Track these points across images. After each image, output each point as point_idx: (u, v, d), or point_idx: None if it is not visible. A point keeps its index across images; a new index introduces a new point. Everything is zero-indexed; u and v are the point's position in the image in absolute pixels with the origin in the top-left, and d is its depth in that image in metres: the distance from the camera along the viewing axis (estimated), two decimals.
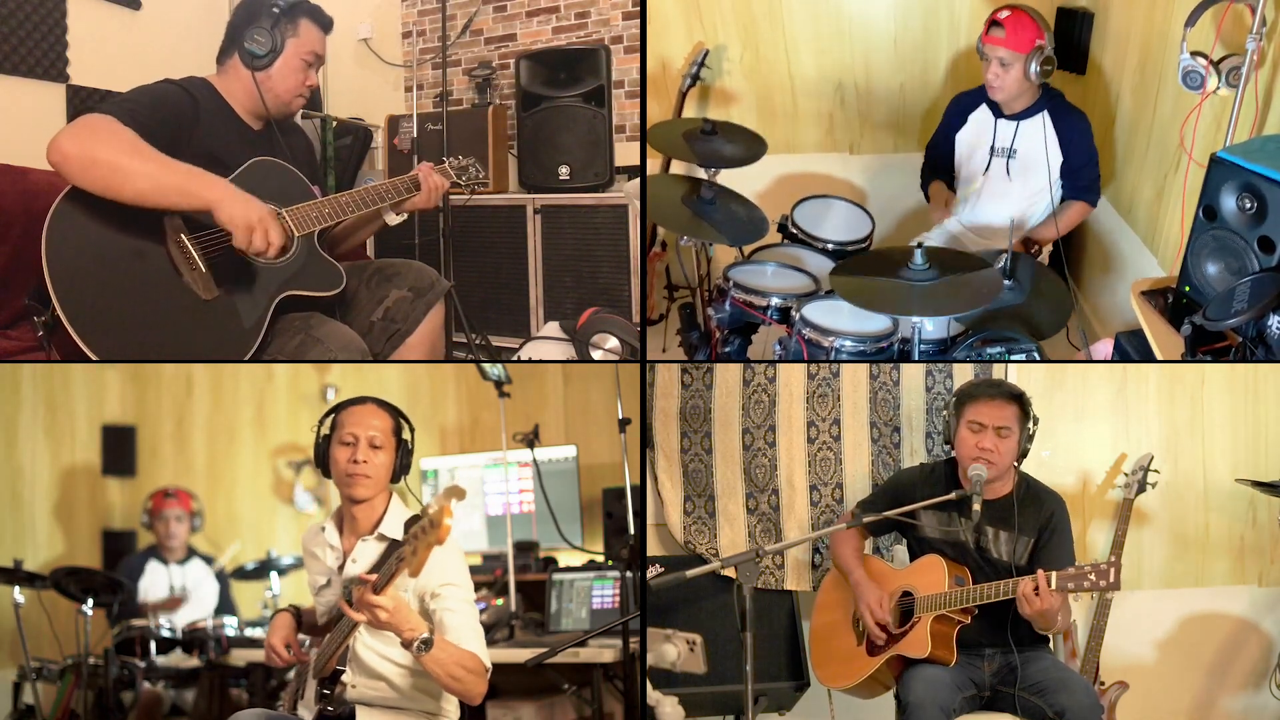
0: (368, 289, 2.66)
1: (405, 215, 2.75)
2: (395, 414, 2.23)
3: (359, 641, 2.06)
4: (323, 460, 2.21)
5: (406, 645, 1.91)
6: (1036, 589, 2.22)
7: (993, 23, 2.93)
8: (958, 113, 3.18)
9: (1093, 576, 2.18)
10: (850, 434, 2.92)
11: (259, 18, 2.52)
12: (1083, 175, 3.03)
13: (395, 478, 2.21)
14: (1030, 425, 2.45)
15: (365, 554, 2.13)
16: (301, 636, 2.27)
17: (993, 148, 3.10)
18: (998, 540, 2.45)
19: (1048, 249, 3.09)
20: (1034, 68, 2.92)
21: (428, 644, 1.90)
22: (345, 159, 4.54)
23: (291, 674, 2.21)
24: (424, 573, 2.03)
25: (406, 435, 2.23)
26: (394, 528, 2.14)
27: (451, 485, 1.81)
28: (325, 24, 2.63)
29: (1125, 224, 3.15)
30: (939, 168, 3.32)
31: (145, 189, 2.22)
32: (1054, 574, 2.22)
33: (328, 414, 2.22)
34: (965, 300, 2.53)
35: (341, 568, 2.17)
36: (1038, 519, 2.44)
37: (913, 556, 2.54)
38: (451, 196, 3.49)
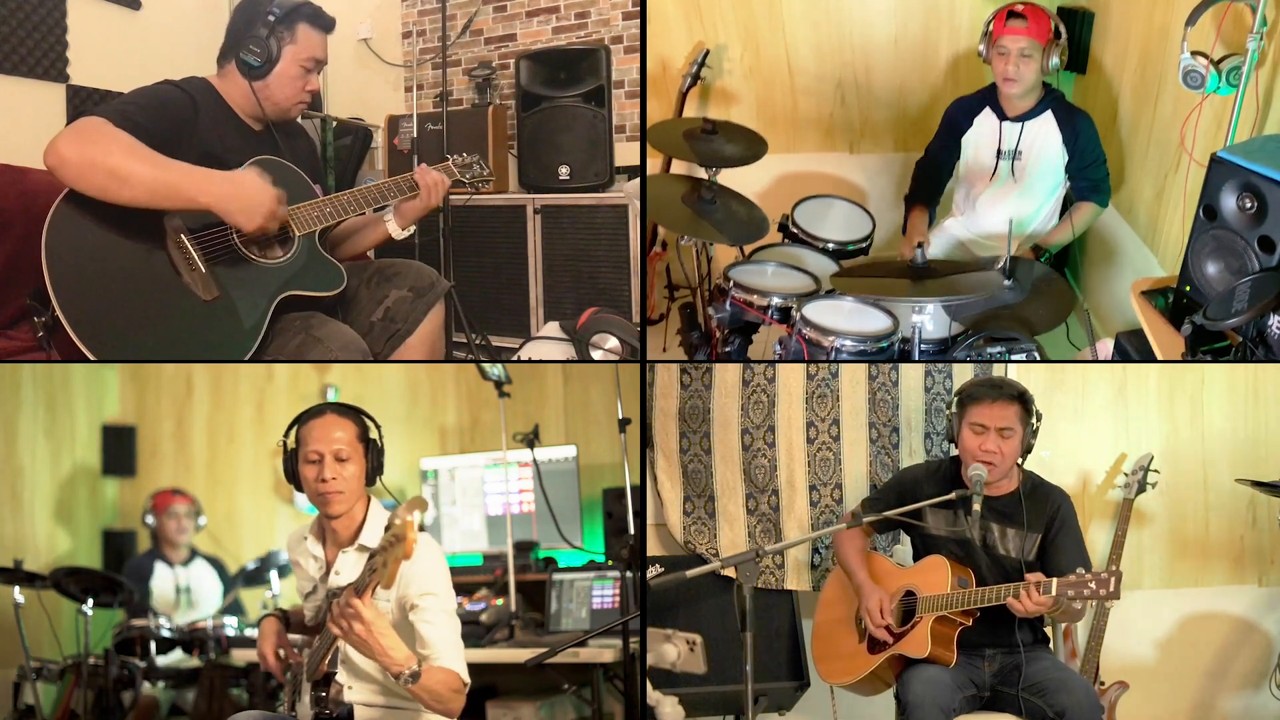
0: (368, 289, 2.66)
1: (413, 228, 2.73)
2: (358, 417, 2.16)
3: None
4: (292, 476, 2.16)
5: (395, 678, 1.91)
6: (1032, 594, 2.23)
7: (1011, 14, 2.91)
8: (962, 117, 3.15)
9: (1093, 585, 2.18)
10: (849, 434, 2.92)
11: (256, 24, 2.48)
12: (1089, 175, 3.02)
13: (369, 481, 2.15)
14: (1034, 422, 2.45)
15: (347, 565, 2.10)
16: (295, 637, 2.26)
17: (999, 151, 3.09)
18: (1005, 537, 2.45)
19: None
20: (1054, 60, 2.91)
21: (415, 676, 1.90)
22: (345, 159, 4.53)
23: (289, 675, 2.21)
24: (405, 581, 2.01)
25: (374, 436, 2.17)
26: (374, 536, 2.09)
27: (413, 497, 1.80)
28: (326, 25, 2.58)
29: (1125, 224, 3.15)
30: (931, 181, 3.27)
31: (141, 194, 2.21)
32: (1054, 581, 2.23)
33: (290, 428, 2.17)
34: (966, 289, 2.54)
35: (325, 577, 2.15)
36: (1044, 515, 2.44)
37: (917, 554, 2.55)
38: (452, 196, 3.48)
